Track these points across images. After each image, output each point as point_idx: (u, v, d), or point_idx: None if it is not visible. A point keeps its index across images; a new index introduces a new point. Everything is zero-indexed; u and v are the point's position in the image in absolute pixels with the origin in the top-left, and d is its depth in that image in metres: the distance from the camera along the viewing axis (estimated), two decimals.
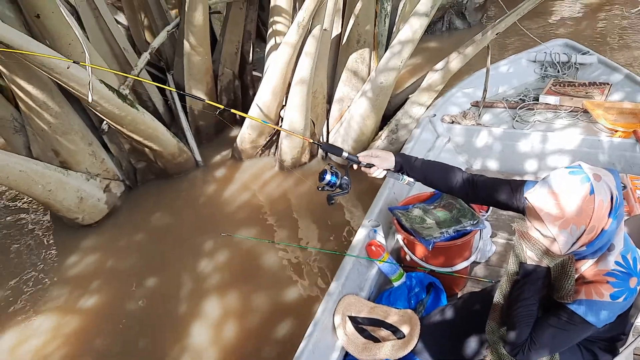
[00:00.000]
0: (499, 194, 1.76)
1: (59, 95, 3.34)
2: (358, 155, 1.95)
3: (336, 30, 3.81)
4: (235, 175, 4.15)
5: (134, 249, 3.51)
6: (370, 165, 1.95)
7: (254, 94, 4.64)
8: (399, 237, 2.64)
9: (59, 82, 3.02)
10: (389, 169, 1.96)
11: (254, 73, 4.85)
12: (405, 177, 1.98)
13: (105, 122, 3.62)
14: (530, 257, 1.53)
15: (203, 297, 3.04)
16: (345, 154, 1.96)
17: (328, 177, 2.02)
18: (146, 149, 3.86)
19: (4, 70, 3.05)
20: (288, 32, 3.25)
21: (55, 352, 2.82)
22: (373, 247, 2.54)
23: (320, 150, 4.13)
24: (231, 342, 2.73)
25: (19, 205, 4.17)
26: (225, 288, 3.10)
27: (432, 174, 1.95)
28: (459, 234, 2.43)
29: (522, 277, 1.57)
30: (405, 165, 1.95)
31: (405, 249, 2.59)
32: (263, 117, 3.93)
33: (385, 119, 3.90)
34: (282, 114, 3.95)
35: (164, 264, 3.35)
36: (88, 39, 3.67)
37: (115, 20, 4.16)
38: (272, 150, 4.25)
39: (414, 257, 2.55)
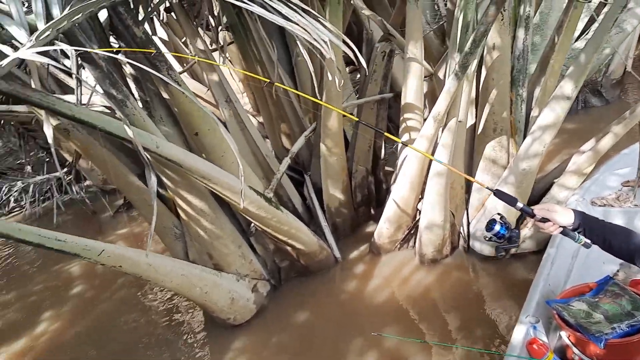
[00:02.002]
0: None
1: (214, 202, 3.63)
2: (533, 207, 1.87)
3: (471, 120, 3.81)
4: (374, 271, 4.13)
5: (283, 348, 3.55)
6: (545, 220, 1.85)
7: (387, 189, 4.72)
8: (563, 333, 2.45)
9: (214, 191, 3.31)
10: (565, 227, 1.85)
11: (386, 168, 4.95)
12: (582, 237, 1.85)
13: (252, 224, 3.84)
14: None
15: None
16: (519, 205, 1.89)
17: (497, 227, 1.94)
18: (289, 248, 4.01)
19: (168, 183, 3.40)
20: (424, 126, 3.32)
21: None
22: (535, 346, 2.36)
23: (462, 242, 4.01)
24: None
25: (173, 308, 4.46)
26: None
27: (614, 237, 1.80)
28: (635, 329, 2.19)
29: None
30: (584, 224, 1.83)
31: (573, 348, 2.37)
32: (400, 213, 3.95)
33: (530, 205, 3.73)
34: (419, 206, 3.94)
35: None
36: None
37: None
38: (411, 243, 4.20)
39: (584, 357, 2.32)
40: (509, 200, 1.94)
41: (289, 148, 4.62)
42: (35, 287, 5.29)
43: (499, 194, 1.98)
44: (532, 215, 1.88)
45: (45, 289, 5.20)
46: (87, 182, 7.30)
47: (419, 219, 3.89)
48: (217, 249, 3.71)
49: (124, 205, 6.60)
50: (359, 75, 7.31)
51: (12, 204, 6.96)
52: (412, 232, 4.10)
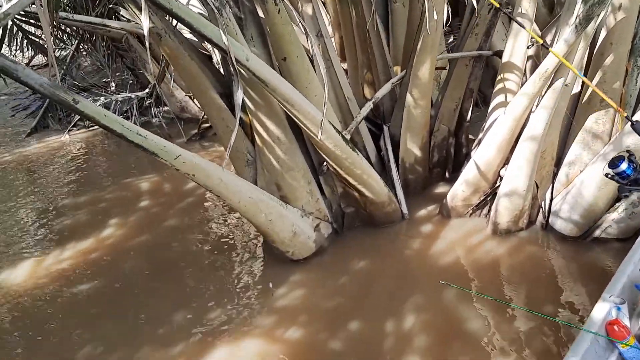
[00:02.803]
0: None
1: (290, 132, 3.55)
2: None
3: (577, 87, 3.52)
4: (442, 233, 3.97)
5: (339, 290, 3.50)
6: None
7: (467, 154, 4.49)
8: None
9: (294, 117, 3.22)
10: None
11: (469, 136, 4.70)
12: None
13: (325, 163, 3.75)
14: None
15: (406, 350, 2.89)
16: None
17: (624, 166, 1.77)
18: (357, 194, 3.90)
19: (249, 104, 3.35)
20: (527, 83, 3.08)
21: None
22: (616, 327, 2.20)
23: (540, 217, 3.77)
24: None
25: (235, 235, 4.49)
26: (428, 346, 2.93)
27: None
28: None
29: None
30: None
31: None
32: (480, 177, 3.75)
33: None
34: (501, 173, 3.71)
35: (367, 310, 3.29)
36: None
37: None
38: (484, 211, 4.00)
39: None
40: None
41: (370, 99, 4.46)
42: (106, 195, 5.47)
43: (638, 125, 1.78)
44: None
45: (115, 199, 5.36)
46: (166, 108, 7.44)
47: (499, 185, 3.68)
48: (287, 181, 3.65)
49: (198, 134, 6.69)
50: (452, 39, 7.01)
51: None
52: (488, 198, 3.89)
